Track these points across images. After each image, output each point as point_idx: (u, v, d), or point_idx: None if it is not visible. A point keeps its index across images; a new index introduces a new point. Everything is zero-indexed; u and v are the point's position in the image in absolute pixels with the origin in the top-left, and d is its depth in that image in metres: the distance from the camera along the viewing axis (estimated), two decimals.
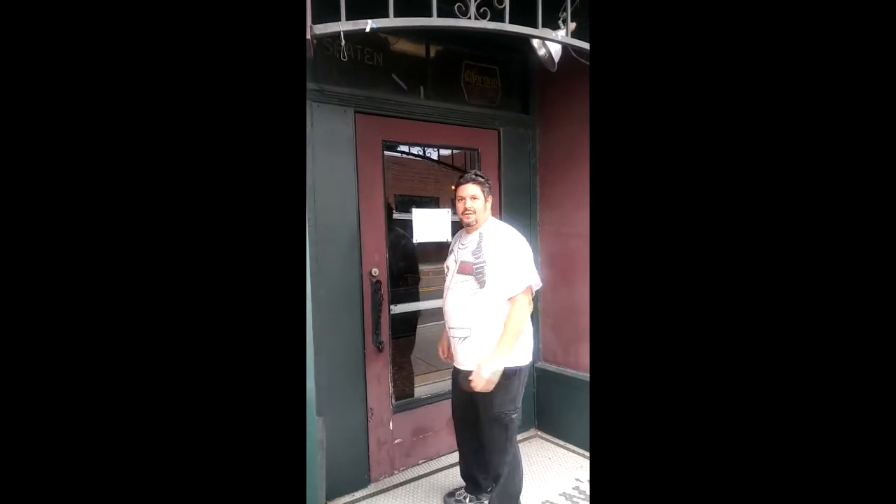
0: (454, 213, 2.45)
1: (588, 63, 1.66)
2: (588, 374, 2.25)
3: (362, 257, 1.96)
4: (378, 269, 2.00)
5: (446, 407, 2.27)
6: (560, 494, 1.93)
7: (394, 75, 2.14)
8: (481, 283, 1.51)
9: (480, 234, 1.58)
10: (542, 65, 1.72)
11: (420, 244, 2.22)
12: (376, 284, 1.99)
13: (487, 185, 1.60)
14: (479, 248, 1.54)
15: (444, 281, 1.68)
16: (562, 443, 2.34)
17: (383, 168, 2.04)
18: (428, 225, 2.23)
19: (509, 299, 1.50)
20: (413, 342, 2.68)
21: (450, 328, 1.62)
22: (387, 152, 2.11)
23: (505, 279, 1.50)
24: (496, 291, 1.51)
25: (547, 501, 1.88)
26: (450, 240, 2.24)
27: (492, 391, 1.47)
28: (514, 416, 1.55)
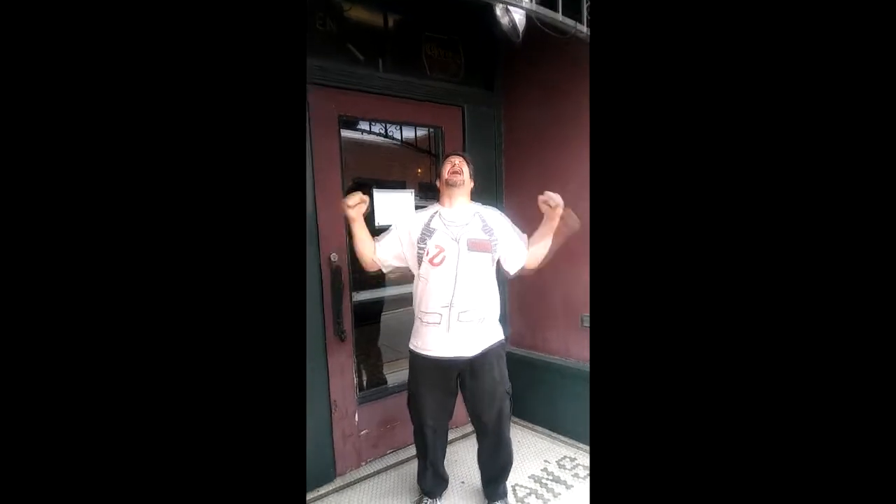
0: (419, 195, 2.37)
1: (554, 34, 1.59)
2: (556, 358, 2.25)
3: (320, 242, 1.84)
4: (337, 255, 1.88)
5: None
6: (529, 477, 1.92)
7: (349, 45, 1.99)
8: (493, 261, 1.53)
9: (478, 213, 1.55)
10: (506, 36, 1.63)
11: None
12: (336, 271, 1.87)
13: (472, 166, 1.59)
14: (487, 227, 1.52)
15: (432, 263, 1.47)
16: (530, 425, 2.34)
17: (340, 145, 1.91)
18: (390, 207, 2.12)
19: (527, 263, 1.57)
20: (378, 330, 2.59)
21: (461, 312, 1.46)
22: (349, 133, 1.97)
23: (519, 251, 1.56)
24: (509, 266, 1.57)
25: (517, 485, 1.86)
26: None
27: (497, 367, 1.55)
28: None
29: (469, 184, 1.57)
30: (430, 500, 1.74)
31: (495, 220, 1.56)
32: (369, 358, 2.48)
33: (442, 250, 1.48)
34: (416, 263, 1.52)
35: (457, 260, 1.47)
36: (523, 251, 1.56)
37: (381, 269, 1.60)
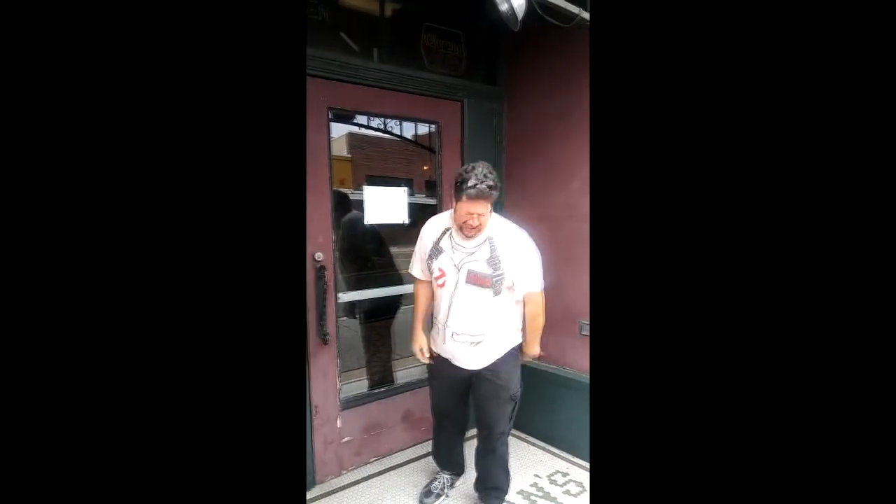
0: (412, 193, 2.27)
1: (556, 23, 1.48)
2: (552, 366, 2.14)
3: (304, 240, 1.75)
4: (322, 254, 1.79)
5: (401, 401, 2.13)
6: (518, 493, 1.83)
7: (342, 34, 1.90)
8: (497, 293, 1.44)
9: (490, 238, 1.42)
10: (505, 23, 1.52)
11: (381, 226, 2.01)
12: (320, 270, 1.78)
13: (496, 185, 1.34)
14: (494, 258, 1.41)
15: (436, 282, 1.51)
16: (523, 436, 2.24)
17: (329, 139, 1.82)
18: (382, 205, 2.03)
19: (524, 296, 1.50)
20: (389, 327, 2.44)
21: (454, 333, 1.49)
22: (354, 128, 1.88)
23: (525, 282, 1.46)
24: (514, 294, 1.48)
25: (504, 500, 1.77)
26: (406, 221, 2.06)
27: (508, 372, 1.54)
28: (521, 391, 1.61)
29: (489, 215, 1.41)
30: (443, 480, 1.80)
31: (510, 250, 1.41)
32: (376, 355, 2.39)
33: (443, 275, 1.48)
34: (430, 276, 1.57)
35: (453, 289, 1.46)
36: (530, 283, 1.47)
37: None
